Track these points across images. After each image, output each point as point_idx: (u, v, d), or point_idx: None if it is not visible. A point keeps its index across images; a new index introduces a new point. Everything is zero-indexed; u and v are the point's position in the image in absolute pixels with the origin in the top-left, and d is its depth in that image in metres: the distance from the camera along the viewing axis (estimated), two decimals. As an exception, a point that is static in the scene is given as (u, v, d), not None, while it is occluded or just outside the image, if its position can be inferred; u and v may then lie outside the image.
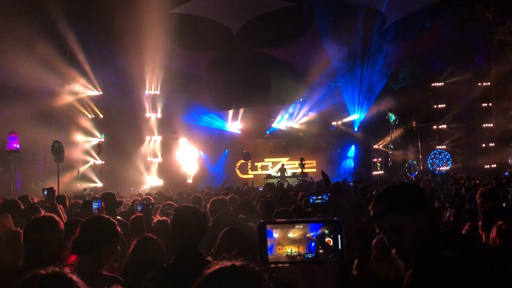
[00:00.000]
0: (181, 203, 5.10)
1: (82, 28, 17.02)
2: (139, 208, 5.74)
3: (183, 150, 21.45)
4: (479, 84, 21.94)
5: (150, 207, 4.75)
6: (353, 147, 24.91)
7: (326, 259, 1.09)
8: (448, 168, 20.23)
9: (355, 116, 23.92)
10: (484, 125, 22.03)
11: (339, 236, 1.10)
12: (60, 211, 5.09)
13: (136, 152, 20.35)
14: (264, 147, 24.50)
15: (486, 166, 20.61)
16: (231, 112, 24.02)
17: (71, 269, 2.41)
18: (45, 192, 6.33)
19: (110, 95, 19.74)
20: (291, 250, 1.11)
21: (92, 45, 17.70)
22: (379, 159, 23.35)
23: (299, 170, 18.76)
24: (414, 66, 23.29)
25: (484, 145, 21.85)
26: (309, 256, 1.10)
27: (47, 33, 15.69)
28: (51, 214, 2.94)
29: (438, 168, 20.37)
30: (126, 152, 19.33)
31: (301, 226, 1.11)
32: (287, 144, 24.36)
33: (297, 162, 19.17)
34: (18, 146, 12.66)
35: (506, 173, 16.02)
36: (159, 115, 20.99)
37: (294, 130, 25.01)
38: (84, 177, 19.12)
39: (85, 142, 19.74)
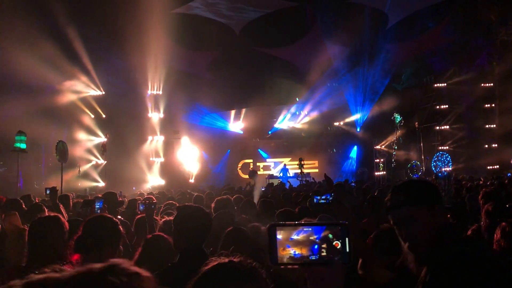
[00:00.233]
0: (183, 203, 5.10)
1: (84, 28, 17.07)
2: (141, 207, 5.75)
3: (185, 150, 21.46)
4: (482, 84, 21.90)
5: (152, 207, 4.76)
6: (355, 147, 24.88)
7: (333, 261, 1.10)
8: (449, 169, 20.22)
9: (357, 116, 23.90)
10: (487, 125, 21.99)
11: (347, 239, 1.11)
12: (62, 210, 5.10)
13: (138, 151, 20.38)
14: (266, 147, 24.48)
15: (488, 167, 20.57)
16: (233, 112, 24.03)
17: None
18: (48, 192, 6.35)
19: (112, 94, 19.79)
20: (295, 251, 1.12)
21: (95, 45, 17.74)
22: (382, 160, 23.33)
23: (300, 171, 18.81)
24: (416, 66, 23.26)
25: (486, 145, 21.80)
26: (313, 258, 1.11)
27: (50, 32, 15.74)
28: (56, 214, 2.95)
29: (441, 170, 20.36)
30: (128, 151, 19.37)
31: (310, 229, 1.12)
32: (289, 144, 24.33)
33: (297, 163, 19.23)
34: (26, 146, 12.69)
35: (509, 174, 15.99)
36: (161, 115, 21.02)
37: (296, 130, 25.00)
38: (86, 176, 19.17)
39: (87, 141, 19.80)
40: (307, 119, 24.51)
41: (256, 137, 24.33)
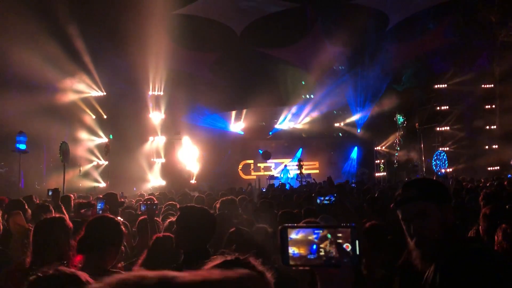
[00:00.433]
0: (185, 204, 5.12)
1: (86, 28, 17.09)
2: (143, 208, 5.76)
3: (186, 151, 21.46)
4: (482, 85, 21.89)
5: (154, 207, 4.77)
6: (355, 148, 24.88)
7: (342, 264, 1.12)
8: (448, 170, 20.24)
9: (358, 117, 23.91)
10: (487, 126, 21.98)
11: (357, 241, 1.13)
12: (64, 211, 5.11)
13: (139, 152, 20.39)
14: (266, 148, 24.47)
15: (489, 168, 20.56)
16: (234, 112, 24.04)
17: (76, 268, 2.44)
18: (50, 193, 6.36)
19: (113, 95, 19.81)
20: (293, 251, 1.15)
21: (97, 45, 17.77)
22: (382, 161, 23.32)
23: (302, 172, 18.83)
24: (417, 67, 23.26)
25: (487, 146, 21.79)
26: (310, 257, 1.13)
27: (53, 33, 15.77)
28: (61, 215, 2.97)
29: (440, 170, 20.38)
30: (129, 152, 19.38)
31: (321, 231, 1.15)
32: (290, 145, 24.33)
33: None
34: (26, 147, 12.70)
35: (510, 175, 15.99)
36: (162, 115, 21.03)
37: (297, 131, 25.00)
38: (87, 176, 19.19)
39: (88, 141, 19.83)
40: (308, 119, 24.51)
41: (256, 137, 24.34)
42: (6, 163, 17.43)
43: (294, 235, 1.15)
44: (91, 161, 20.02)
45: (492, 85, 21.87)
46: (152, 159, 20.91)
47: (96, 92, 19.80)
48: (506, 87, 20.45)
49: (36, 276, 1.64)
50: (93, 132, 19.89)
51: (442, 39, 21.67)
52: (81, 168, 18.40)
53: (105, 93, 19.81)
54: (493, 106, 21.99)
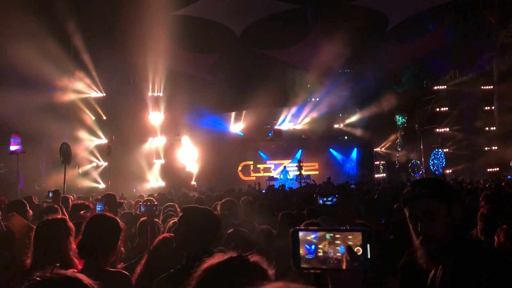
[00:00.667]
0: (185, 205, 5.11)
1: (86, 29, 17.08)
2: (142, 209, 5.74)
3: (185, 152, 21.45)
4: (482, 86, 21.91)
5: (154, 208, 4.76)
6: (355, 149, 24.89)
7: (353, 268, 1.12)
8: (446, 171, 20.25)
9: (358, 118, 23.90)
10: (487, 128, 21.99)
11: (368, 245, 1.12)
12: (64, 213, 5.09)
13: (139, 153, 20.37)
14: (266, 149, 24.49)
15: (488, 169, 20.56)
16: (233, 113, 24.03)
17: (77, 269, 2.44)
18: (51, 194, 6.35)
19: (113, 96, 19.79)
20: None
21: (96, 46, 17.75)
22: (382, 162, 23.31)
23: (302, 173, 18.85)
24: (417, 68, 23.28)
25: (486, 148, 21.80)
26: (309, 257, 1.14)
27: (52, 30, 15.76)
28: (63, 216, 2.96)
29: (438, 170, 20.40)
30: (128, 153, 19.35)
31: (331, 234, 1.15)
32: (289, 146, 24.33)
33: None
34: (20, 148, 12.63)
35: (509, 177, 15.99)
36: (162, 116, 21.02)
37: (296, 132, 24.99)
38: (85, 176, 19.15)
39: (87, 141, 19.79)
40: (307, 120, 24.52)
41: (256, 139, 24.33)
42: (6, 165, 17.39)
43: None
44: (90, 162, 19.99)
45: (492, 86, 21.89)
46: (151, 160, 20.89)
47: (96, 93, 19.78)
48: (505, 88, 20.45)
49: (35, 280, 1.62)
50: (92, 133, 19.87)
51: (442, 40, 21.69)
52: (79, 169, 18.34)
53: (104, 94, 19.79)
54: (493, 107, 22.00)
